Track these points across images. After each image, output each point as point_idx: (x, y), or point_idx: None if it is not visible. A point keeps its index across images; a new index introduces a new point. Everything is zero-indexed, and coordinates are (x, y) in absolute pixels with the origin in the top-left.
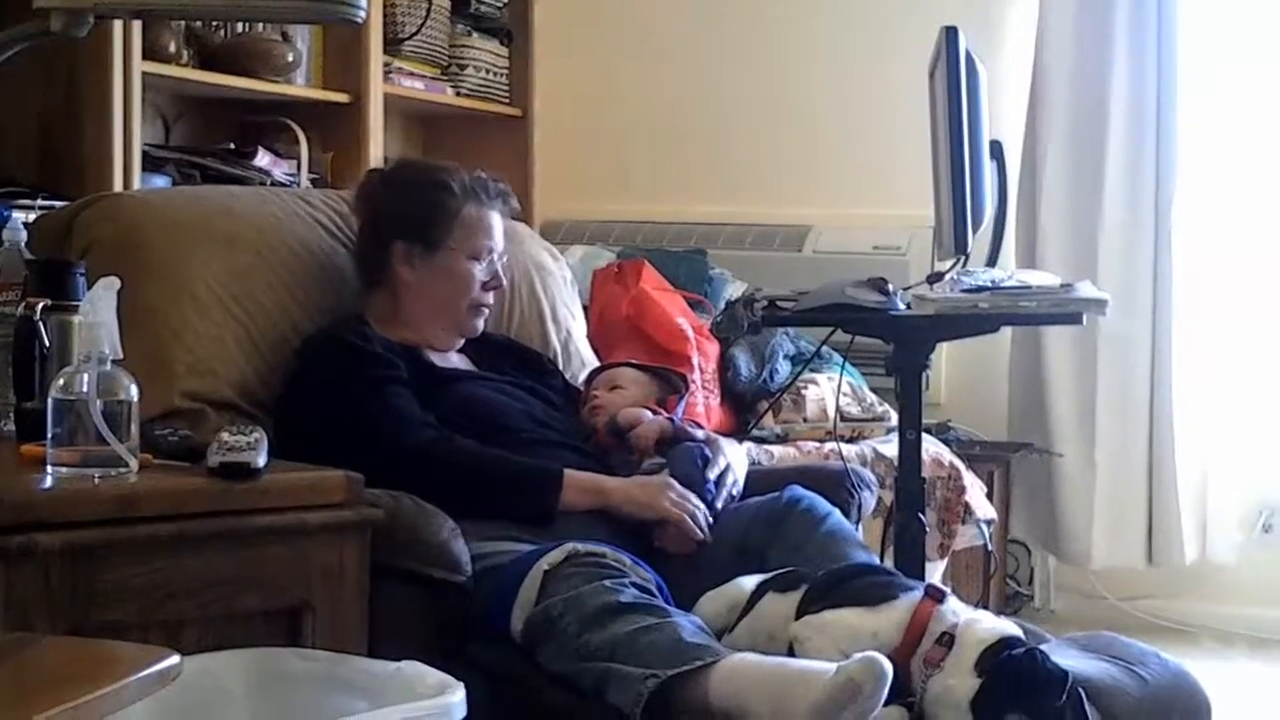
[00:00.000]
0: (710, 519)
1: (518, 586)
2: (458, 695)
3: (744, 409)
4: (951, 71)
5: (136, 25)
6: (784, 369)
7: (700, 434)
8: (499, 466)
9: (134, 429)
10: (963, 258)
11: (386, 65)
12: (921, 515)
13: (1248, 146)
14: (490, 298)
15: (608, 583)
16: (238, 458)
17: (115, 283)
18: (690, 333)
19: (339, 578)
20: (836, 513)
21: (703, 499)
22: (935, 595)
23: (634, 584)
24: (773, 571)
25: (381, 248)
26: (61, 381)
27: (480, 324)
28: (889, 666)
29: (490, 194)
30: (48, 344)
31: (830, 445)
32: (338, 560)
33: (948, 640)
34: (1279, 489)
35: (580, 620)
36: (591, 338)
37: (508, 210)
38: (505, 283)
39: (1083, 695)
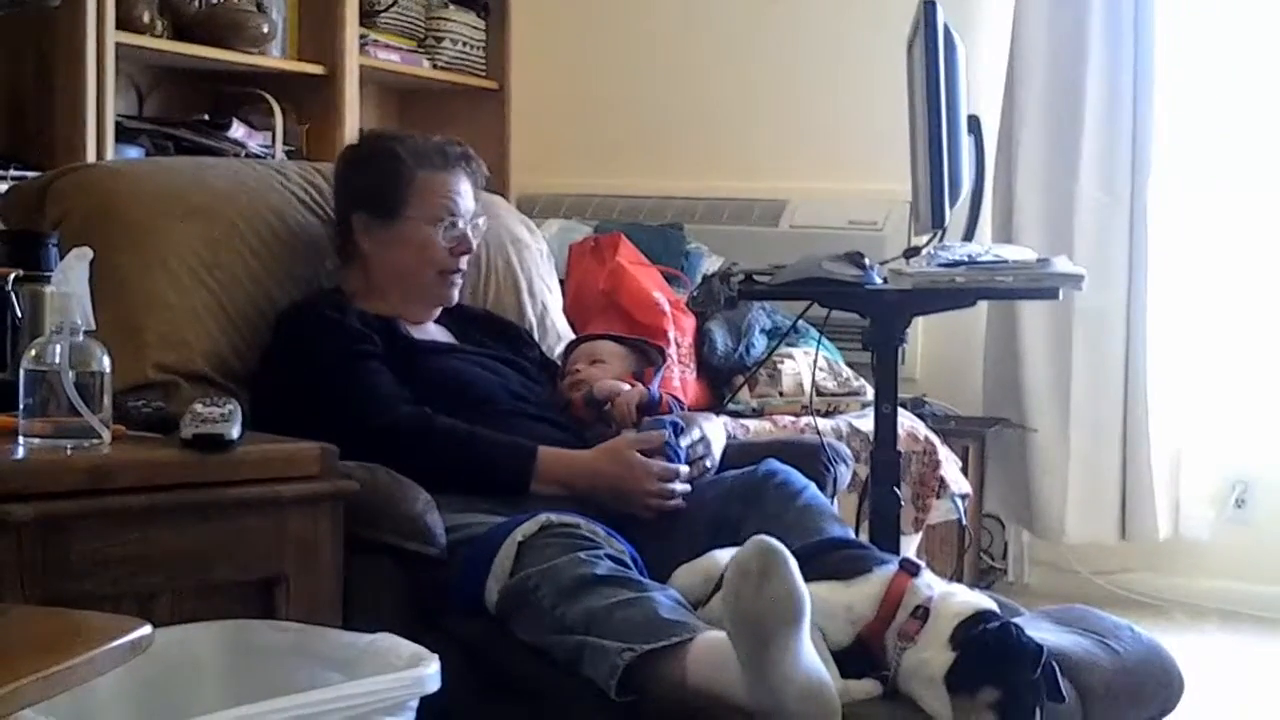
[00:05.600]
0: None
1: (492, 558)
2: (432, 667)
3: (720, 383)
4: (929, 45)
5: None
6: (760, 343)
7: (679, 411)
8: (472, 444)
9: (106, 400)
10: (939, 232)
11: (362, 37)
12: (896, 489)
13: (1223, 123)
14: (461, 263)
15: (582, 554)
16: (211, 429)
17: (88, 253)
18: (666, 307)
19: (313, 550)
20: (812, 486)
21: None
22: (910, 569)
23: (609, 556)
24: None
25: (344, 222)
26: (33, 352)
27: (454, 292)
28: (776, 543)
29: (448, 157)
30: (20, 315)
31: (806, 419)
32: (312, 532)
33: (922, 614)
34: (1252, 465)
35: (555, 592)
36: (567, 311)
37: (473, 172)
38: (474, 246)
39: (1056, 668)
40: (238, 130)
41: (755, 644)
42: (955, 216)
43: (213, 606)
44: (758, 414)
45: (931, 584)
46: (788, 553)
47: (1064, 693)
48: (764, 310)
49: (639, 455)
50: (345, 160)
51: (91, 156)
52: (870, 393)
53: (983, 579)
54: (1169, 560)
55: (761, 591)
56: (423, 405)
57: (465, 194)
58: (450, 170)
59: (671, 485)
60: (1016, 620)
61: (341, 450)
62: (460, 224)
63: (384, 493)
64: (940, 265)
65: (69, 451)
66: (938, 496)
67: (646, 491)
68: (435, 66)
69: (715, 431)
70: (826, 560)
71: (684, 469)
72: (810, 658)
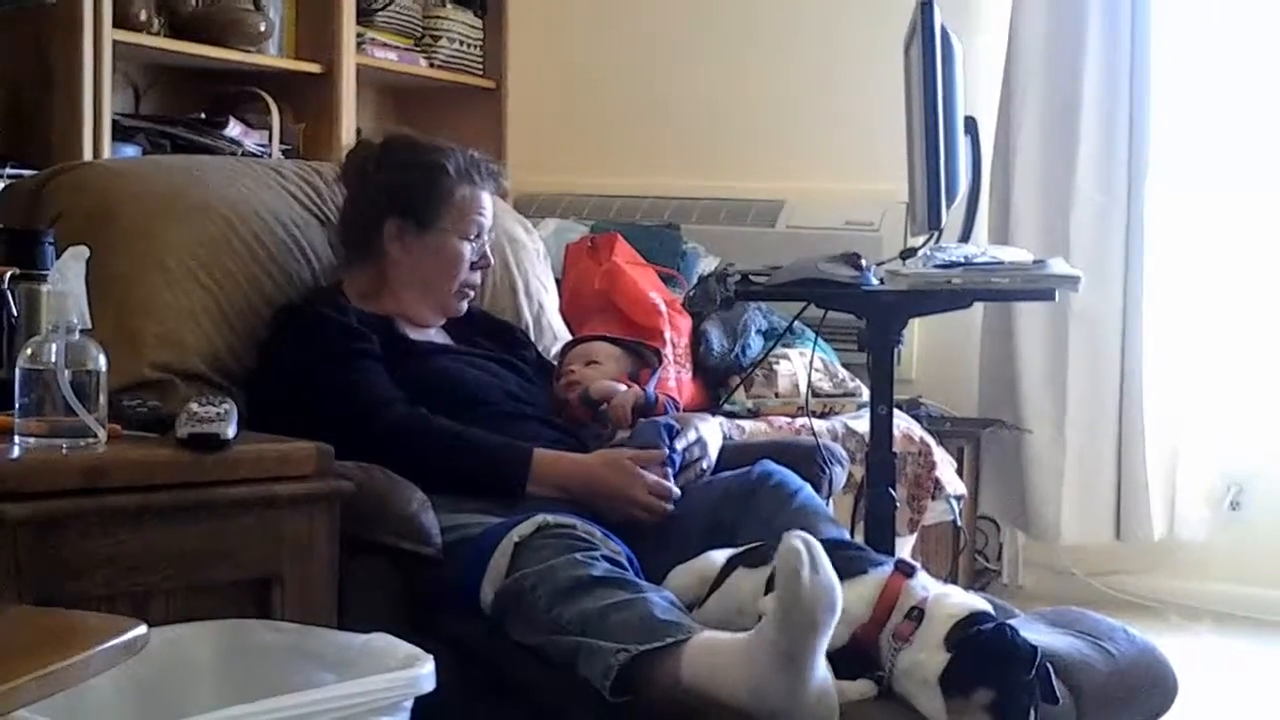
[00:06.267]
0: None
1: (488, 558)
2: (427, 667)
3: (716, 384)
4: (926, 46)
5: None
6: (756, 344)
7: (674, 411)
8: (467, 445)
9: (102, 399)
10: (936, 233)
11: (359, 36)
12: (892, 490)
13: (1220, 124)
14: (477, 278)
15: (579, 555)
16: (207, 429)
17: (84, 252)
18: (663, 307)
19: (308, 550)
20: (807, 488)
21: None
22: (905, 570)
23: (605, 557)
24: (743, 546)
25: (372, 224)
26: (29, 351)
27: (464, 306)
28: (806, 535)
29: (483, 174)
30: (15, 313)
31: (802, 420)
32: (307, 532)
33: (917, 615)
34: (1247, 467)
35: (551, 593)
36: (564, 311)
37: (498, 190)
38: (493, 262)
39: (1051, 670)
40: (234, 129)
41: (806, 633)
42: (952, 218)
43: (208, 606)
44: (753, 415)
45: (926, 585)
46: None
47: (1058, 694)
48: (760, 311)
49: (635, 466)
50: (382, 161)
51: (88, 155)
52: (866, 394)
53: (977, 580)
54: (1164, 562)
55: (815, 579)
56: (419, 405)
57: (490, 211)
58: (483, 187)
59: (663, 502)
60: (1011, 622)
61: (337, 450)
62: (485, 240)
63: (380, 493)
64: (936, 266)
65: (64, 451)
66: (933, 498)
67: (637, 501)
68: (432, 65)
69: (711, 432)
70: None
71: (675, 491)
72: (822, 659)
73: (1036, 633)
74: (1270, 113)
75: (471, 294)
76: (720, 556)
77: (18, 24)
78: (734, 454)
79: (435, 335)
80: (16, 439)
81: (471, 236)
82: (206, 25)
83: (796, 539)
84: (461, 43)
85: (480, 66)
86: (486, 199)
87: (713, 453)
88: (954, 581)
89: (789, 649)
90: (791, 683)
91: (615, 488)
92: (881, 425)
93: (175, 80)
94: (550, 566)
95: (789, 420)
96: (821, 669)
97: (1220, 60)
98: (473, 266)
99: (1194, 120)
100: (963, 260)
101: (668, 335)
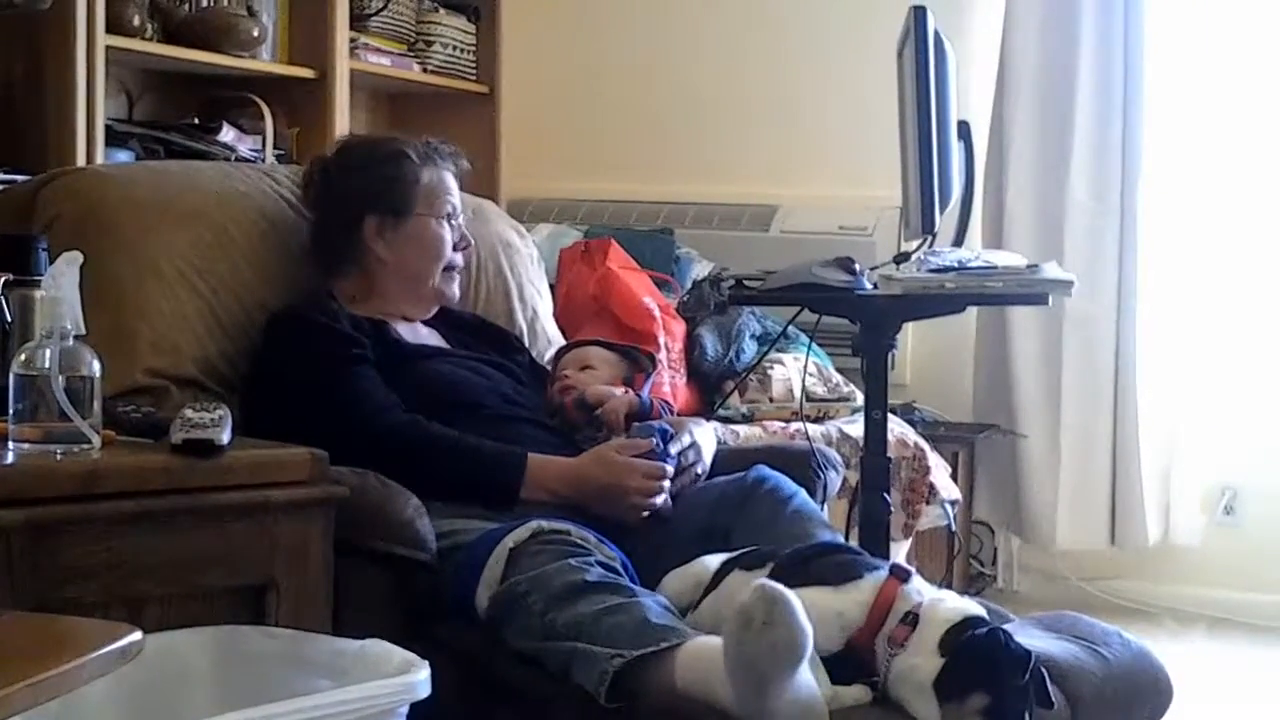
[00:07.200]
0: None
1: (483, 564)
2: (422, 674)
3: (710, 388)
4: (919, 52)
5: None
6: (750, 349)
7: (669, 416)
8: (462, 451)
9: (97, 405)
10: (929, 238)
11: (353, 41)
12: (886, 495)
13: (1213, 129)
14: (460, 259)
15: (573, 561)
16: (201, 434)
17: (78, 258)
18: (657, 312)
19: (303, 555)
20: (802, 493)
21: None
22: (900, 575)
23: (599, 562)
24: (738, 550)
25: (350, 228)
26: (23, 357)
27: (456, 289)
28: (781, 589)
29: (443, 156)
30: (9, 319)
31: (796, 425)
32: (302, 538)
33: (912, 620)
34: (1241, 472)
35: (546, 599)
36: (558, 316)
37: (460, 172)
38: (473, 242)
39: (1045, 675)
40: (228, 134)
41: (753, 687)
42: (945, 222)
43: (202, 612)
44: (748, 420)
45: (921, 590)
46: (791, 597)
47: (1053, 699)
48: (754, 316)
49: (624, 456)
50: (343, 166)
51: (82, 160)
52: (860, 398)
53: (972, 585)
54: (1158, 567)
55: (763, 638)
56: (414, 408)
57: (457, 192)
58: (445, 168)
59: (658, 482)
60: (1005, 627)
61: (332, 455)
62: (460, 221)
63: (375, 498)
64: (930, 271)
65: (59, 457)
66: (927, 503)
67: (631, 489)
68: (426, 70)
69: (705, 437)
70: (816, 566)
71: (669, 468)
72: (804, 677)
73: (1031, 638)
74: (1263, 119)
75: (458, 276)
76: (714, 561)
77: (11, 29)
78: (728, 459)
79: (429, 338)
80: (11, 445)
81: (446, 216)
82: (200, 31)
83: (758, 597)
84: (455, 48)
85: (473, 72)
86: (451, 180)
87: (707, 457)
88: (949, 586)
89: (743, 696)
90: (764, 711)
91: (608, 481)
92: (876, 430)
93: (169, 86)
94: (544, 572)
95: (783, 425)
96: (798, 690)
97: (1214, 65)
98: (454, 248)
99: (1187, 125)
100: (956, 265)
101: (662, 340)
